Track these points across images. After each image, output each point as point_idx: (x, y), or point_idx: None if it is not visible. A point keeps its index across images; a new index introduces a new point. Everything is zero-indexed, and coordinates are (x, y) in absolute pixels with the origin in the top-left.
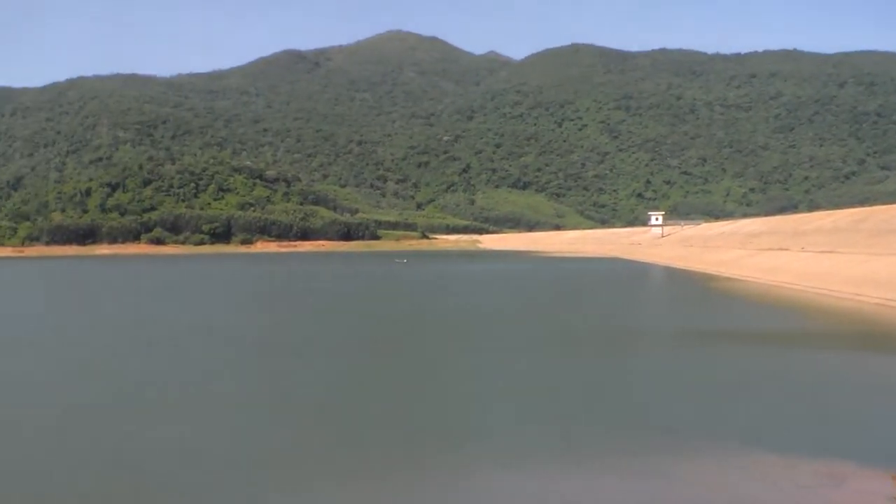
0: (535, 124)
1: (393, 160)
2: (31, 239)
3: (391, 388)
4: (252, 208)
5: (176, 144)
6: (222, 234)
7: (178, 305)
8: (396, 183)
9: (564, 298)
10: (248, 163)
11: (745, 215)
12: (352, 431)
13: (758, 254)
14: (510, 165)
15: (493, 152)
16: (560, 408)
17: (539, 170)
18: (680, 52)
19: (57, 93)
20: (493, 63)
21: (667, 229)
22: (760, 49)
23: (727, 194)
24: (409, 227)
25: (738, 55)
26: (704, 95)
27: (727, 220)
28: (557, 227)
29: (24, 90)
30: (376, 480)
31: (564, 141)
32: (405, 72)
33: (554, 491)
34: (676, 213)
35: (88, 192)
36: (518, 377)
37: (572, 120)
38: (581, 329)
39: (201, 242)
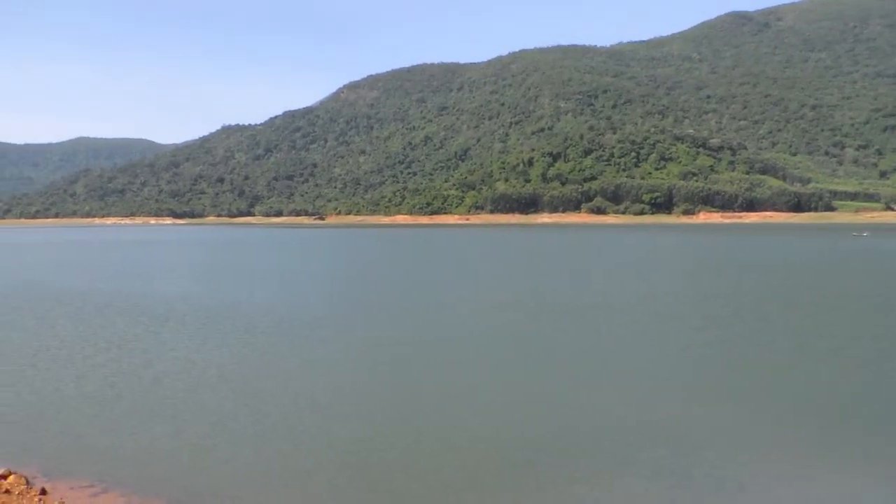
0: None
1: (852, 125)
2: (477, 207)
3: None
4: (694, 178)
5: (617, 114)
6: (663, 204)
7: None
8: (856, 150)
9: None
10: (691, 131)
11: None
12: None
13: None
14: None
15: None
16: None
17: None
18: None
19: (500, 66)
20: None
21: None
22: None
23: None
24: (870, 197)
25: None
26: None
27: None
28: None
29: (471, 65)
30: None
31: None
32: (870, 26)
33: None
34: None
35: (531, 162)
36: None
37: None
38: None
39: (641, 212)
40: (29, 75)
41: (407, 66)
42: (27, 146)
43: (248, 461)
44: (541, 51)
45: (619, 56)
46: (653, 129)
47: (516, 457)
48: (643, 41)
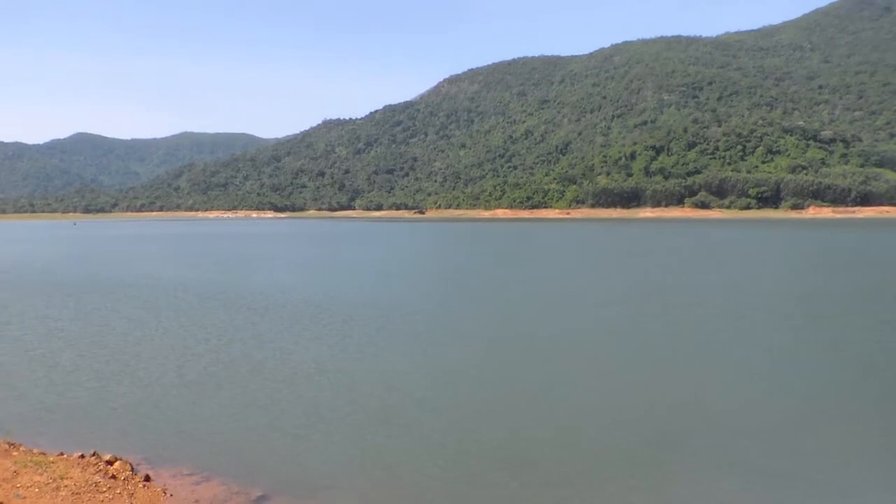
0: None
1: None
2: (577, 201)
3: None
4: (804, 171)
5: (722, 106)
6: (770, 199)
7: None
8: None
9: None
10: (801, 123)
11: None
12: None
13: None
14: None
15: None
16: None
17: None
18: None
19: (603, 58)
20: None
21: None
22: None
23: None
24: None
25: None
26: None
27: None
28: None
29: (572, 58)
30: None
31: None
32: None
33: None
34: None
35: (633, 156)
36: None
37: None
38: None
39: (747, 207)
40: (136, 72)
41: (508, 59)
42: (133, 141)
43: (343, 452)
44: (644, 42)
45: (726, 46)
46: (760, 122)
47: (615, 454)
48: (751, 30)
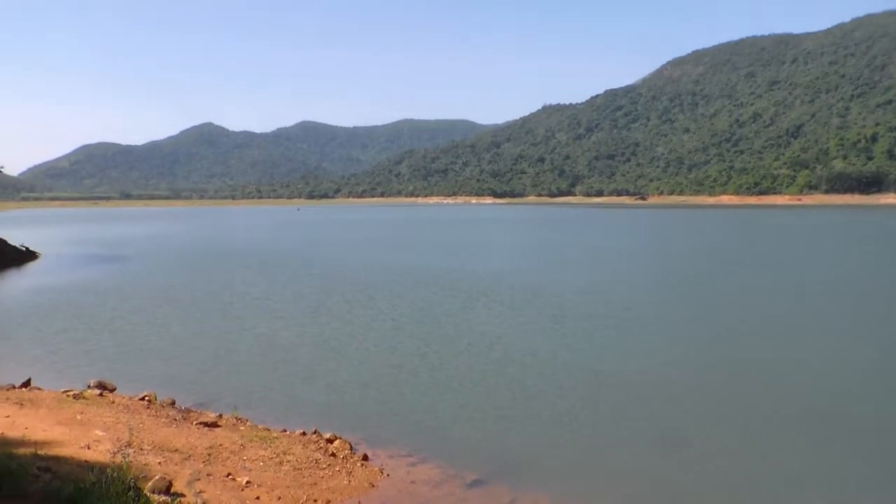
0: None
1: None
2: (810, 187)
3: None
4: None
5: None
6: None
7: None
8: None
9: None
10: None
11: None
12: None
13: None
14: None
15: None
16: None
17: None
18: None
19: (841, 34)
20: None
21: None
22: None
23: None
24: None
25: None
26: None
27: None
28: None
29: (806, 35)
30: None
31: None
32: None
33: None
34: None
35: (874, 138)
36: None
37: None
38: None
39: None
40: (358, 63)
41: (735, 39)
42: (355, 129)
43: (552, 437)
44: (891, 13)
45: None
46: None
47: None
48: None
